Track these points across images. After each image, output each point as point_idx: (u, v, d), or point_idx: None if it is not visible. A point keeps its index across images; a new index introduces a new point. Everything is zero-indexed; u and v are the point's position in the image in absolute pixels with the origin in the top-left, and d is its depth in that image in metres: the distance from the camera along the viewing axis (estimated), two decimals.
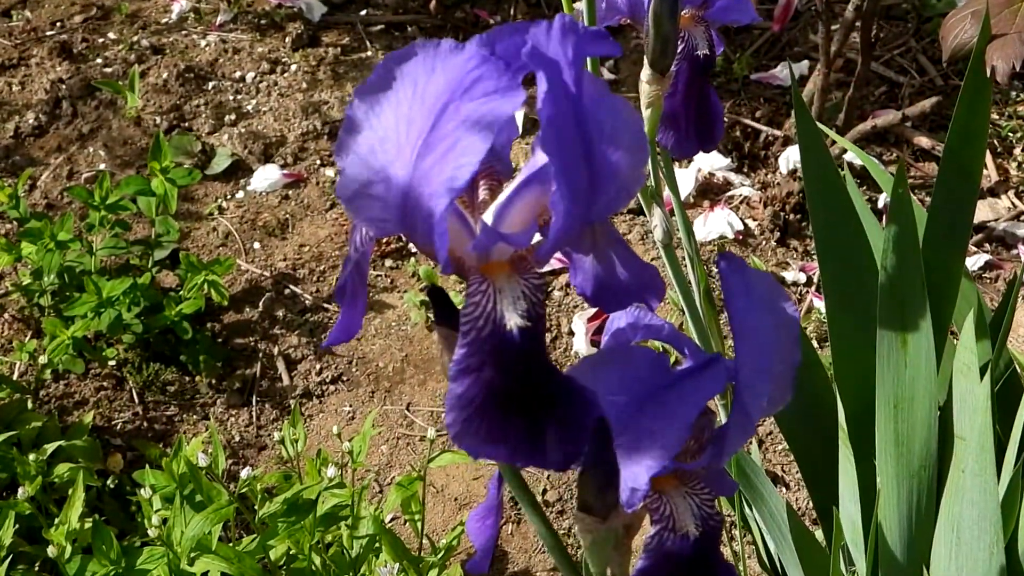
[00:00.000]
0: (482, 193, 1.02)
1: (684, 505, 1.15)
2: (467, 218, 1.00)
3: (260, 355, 3.82)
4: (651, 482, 1.11)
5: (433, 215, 0.92)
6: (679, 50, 1.77)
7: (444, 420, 0.98)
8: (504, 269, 0.99)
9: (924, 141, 4.55)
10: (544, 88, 0.92)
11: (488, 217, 0.99)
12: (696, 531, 1.15)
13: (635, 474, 1.10)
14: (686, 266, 2.22)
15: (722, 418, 2.13)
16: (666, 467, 1.11)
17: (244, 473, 2.59)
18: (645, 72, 1.68)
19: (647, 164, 0.98)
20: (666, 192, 2.04)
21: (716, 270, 1.15)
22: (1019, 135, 4.56)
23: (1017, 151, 4.56)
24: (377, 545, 2.67)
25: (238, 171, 4.56)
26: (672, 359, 3.65)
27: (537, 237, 1.01)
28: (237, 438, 3.56)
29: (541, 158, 0.98)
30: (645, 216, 1.89)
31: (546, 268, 3.92)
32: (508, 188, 1.01)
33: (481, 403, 0.97)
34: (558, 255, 3.42)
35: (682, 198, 4.24)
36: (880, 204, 4.11)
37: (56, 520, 2.70)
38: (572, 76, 0.95)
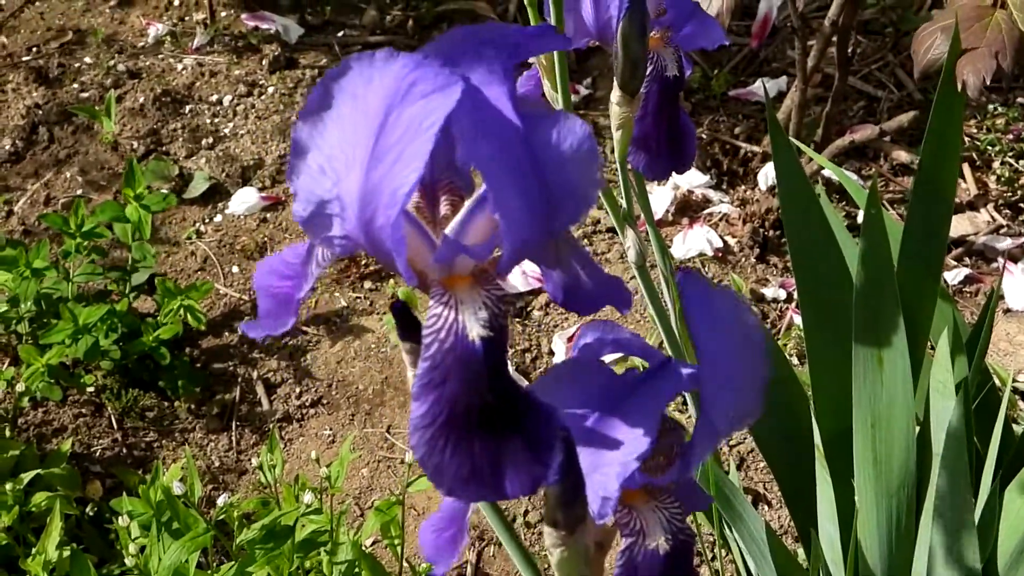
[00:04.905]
0: (443, 208, 1.03)
1: (654, 519, 1.16)
2: (428, 232, 1.01)
3: (239, 379, 3.80)
4: (622, 491, 1.10)
5: (387, 224, 0.93)
6: (649, 72, 1.76)
7: (409, 442, 0.97)
8: (466, 281, 0.99)
9: (903, 155, 4.56)
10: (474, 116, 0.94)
11: (449, 231, 1.00)
12: (667, 544, 1.15)
13: (604, 482, 1.10)
14: (661, 289, 2.21)
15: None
16: (636, 478, 1.11)
17: (222, 500, 2.57)
18: (615, 94, 1.67)
19: (597, 177, 0.98)
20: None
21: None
22: (998, 149, 4.57)
23: (996, 164, 4.56)
24: (357, 570, 2.65)
25: (216, 195, 4.54)
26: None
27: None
28: (217, 463, 3.54)
29: None
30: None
31: (524, 288, 3.92)
32: (468, 202, 1.01)
33: (445, 422, 0.96)
34: (535, 273, 3.37)
35: (660, 215, 4.26)
36: (859, 219, 4.11)
37: (33, 550, 2.67)
38: (505, 95, 0.96)
